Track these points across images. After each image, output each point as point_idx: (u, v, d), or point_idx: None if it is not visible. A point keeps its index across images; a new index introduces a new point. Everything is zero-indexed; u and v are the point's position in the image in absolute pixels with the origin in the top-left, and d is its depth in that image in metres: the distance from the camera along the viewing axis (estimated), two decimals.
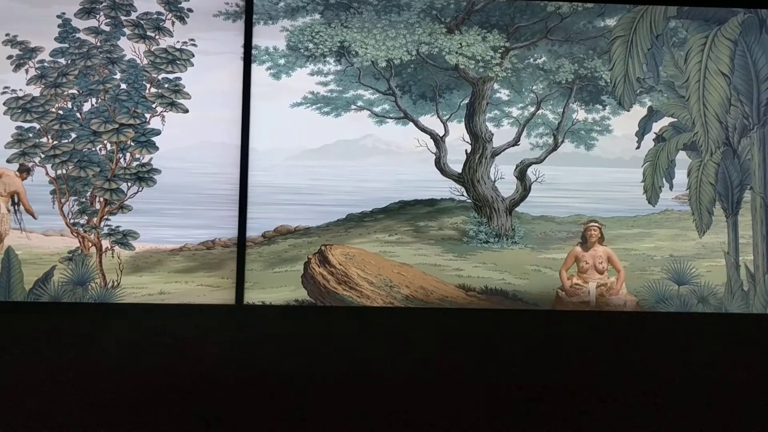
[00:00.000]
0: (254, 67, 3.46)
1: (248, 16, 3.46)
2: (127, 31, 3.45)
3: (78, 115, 3.42)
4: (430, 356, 3.36)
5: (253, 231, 3.43)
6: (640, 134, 3.59)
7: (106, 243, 3.41)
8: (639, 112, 3.59)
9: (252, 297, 3.37)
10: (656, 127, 3.60)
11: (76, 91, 3.42)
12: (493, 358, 3.41)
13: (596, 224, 3.50)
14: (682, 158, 3.59)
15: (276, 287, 3.38)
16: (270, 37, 3.48)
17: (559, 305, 3.47)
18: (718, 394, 3.38)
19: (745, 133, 3.58)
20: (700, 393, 3.37)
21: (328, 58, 3.51)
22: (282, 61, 3.47)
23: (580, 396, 3.35)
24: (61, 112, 3.41)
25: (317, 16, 3.50)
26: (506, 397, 3.31)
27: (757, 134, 3.57)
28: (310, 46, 3.49)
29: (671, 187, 3.57)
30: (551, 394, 3.34)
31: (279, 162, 3.48)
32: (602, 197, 3.56)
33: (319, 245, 3.44)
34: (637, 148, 3.58)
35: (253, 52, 3.46)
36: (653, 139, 3.59)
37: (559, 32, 3.58)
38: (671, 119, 3.60)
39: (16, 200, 3.39)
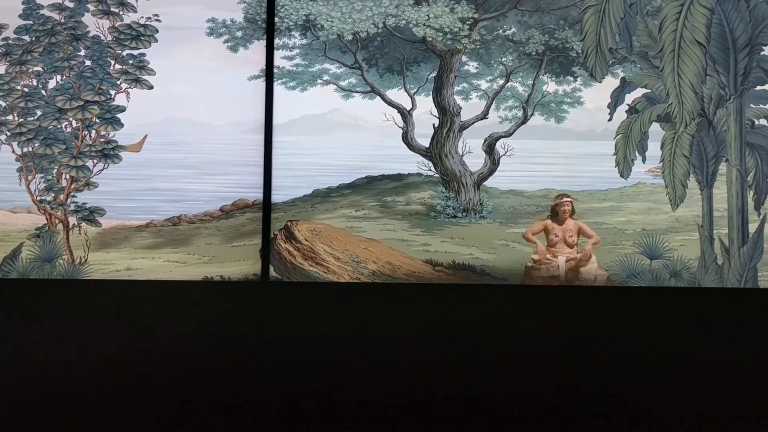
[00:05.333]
0: (212, 39, 3.44)
1: None
2: (90, 7, 3.44)
3: (43, 92, 3.42)
4: (407, 332, 3.35)
5: (212, 205, 3.42)
6: (613, 106, 3.52)
7: (73, 220, 3.42)
8: (611, 83, 3.51)
9: (210, 271, 3.36)
10: (629, 98, 3.52)
11: (41, 69, 3.42)
12: (461, 333, 3.39)
13: (569, 199, 3.44)
14: (656, 130, 3.51)
15: (235, 261, 3.38)
16: (228, 9, 3.45)
17: (528, 280, 3.42)
18: (691, 369, 3.34)
19: (721, 104, 3.49)
20: (673, 367, 3.33)
21: (293, 32, 3.47)
22: (239, 34, 3.45)
23: (550, 371, 3.32)
24: (26, 89, 3.41)
25: None
26: (475, 373, 3.30)
27: (734, 105, 3.48)
28: (275, 20, 3.45)
29: (644, 160, 3.50)
30: (520, 370, 3.32)
31: (245, 136, 3.45)
32: (573, 170, 3.50)
33: (284, 221, 3.42)
34: (609, 120, 3.51)
35: (210, 25, 3.44)
36: (626, 111, 3.52)
37: (530, 2, 3.51)
38: (644, 90, 3.52)
39: None
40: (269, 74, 3.43)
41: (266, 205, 3.40)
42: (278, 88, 3.46)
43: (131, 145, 3.44)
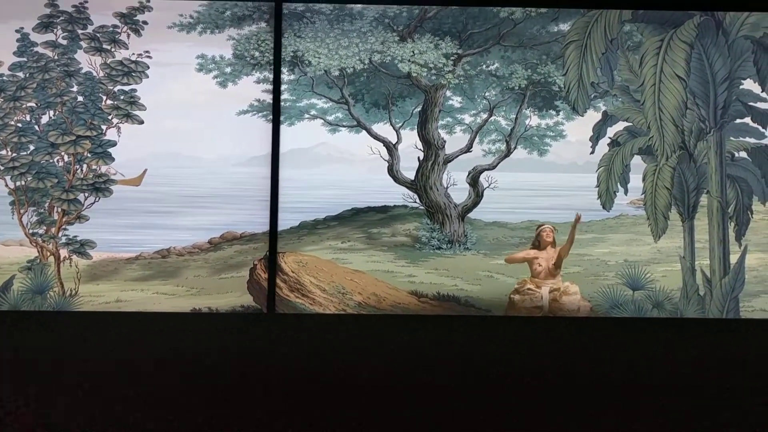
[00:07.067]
0: (201, 75, 3.53)
1: (277, 22, 3.51)
2: (83, 44, 3.53)
3: (36, 127, 3.49)
4: (403, 363, 3.38)
5: (200, 237, 3.48)
6: (595, 139, 3.58)
7: (64, 252, 3.47)
8: (593, 116, 3.58)
9: (199, 303, 3.41)
10: (611, 131, 3.58)
11: (34, 104, 3.49)
12: (445, 364, 3.42)
13: (551, 227, 3.50)
14: (638, 163, 3.57)
15: (223, 293, 3.43)
16: (218, 46, 3.54)
17: (512, 311, 3.47)
18: (673, 399, 3.36)
19: (701, 137, 3.55)
20: (655, 398, 3.35)
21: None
22: (228, 70, 3.53)
23: (533, 401, 3.35)
24: (19, 124, 3.49)
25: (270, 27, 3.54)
26: (459, 404, 3.33)
27: (714, 138, 3.54)
28: (257, 54, 3.53)
29: (626, 192, 3.56)
30: (505, 400, 3.34)
31: (234, 169, 3.52)
32: (556, 203, 3.56)
33: (264, 251, 3.47)
34: (592, 153, 3.57)
35: (200, 61, 3.53)
36: (608, 144, 3.58)
37: (513, 38, 3.59)
38: (626, 123, 3.58)
39: None
40: (276, 109, 3.51)
41: (273, 236, 3.47)
42: (262, 121, 3.52)
43: (131, 179, 3.50)
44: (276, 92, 3.50)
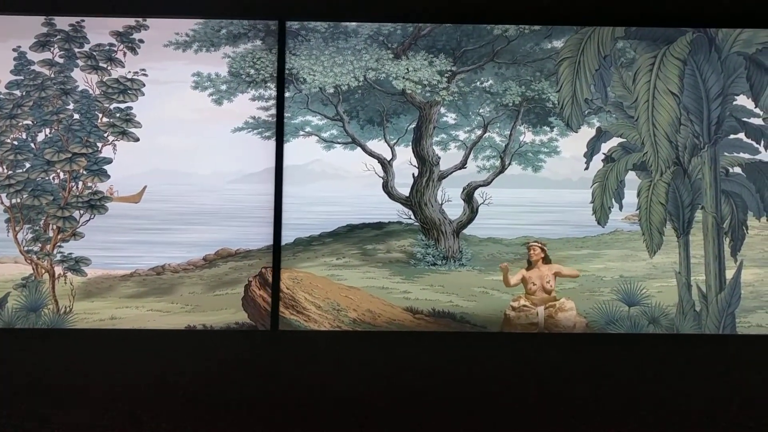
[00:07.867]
0: (197, 93, 3.54)
1: (281, 42, 3.53)
2: (80, 62, 3.55)
3: (32, 145, 3.51)
4: (388, 379, 3.38)
5: (195, 254, 3.48)
6: (589, 155, 3.59)
7: (58, 269, 3.47)
8: (587, 133, 3.59)
9: (193, 320, 3.41)
10: (605, 147, 3.59)
11: (30, 122, 3.51)
12: (441, 381, 3.41)
13: (537, 244, 3.50)
14: (632, 178, 3.57)
15: (217, 310, 3.42)
16: (213, 63, 3.56)
17: (507, 327, 3.45)
18: (670, 416, 3.34)
19: (695, 153, 3.56)
20: (651, 414, 3.34)
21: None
22: (224, 87, 3.55)
23: (529, 418, 3.33)
24: (15, 142, 3.50)
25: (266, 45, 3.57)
26: (454, 420, 3.31)
27: (708, 153, 3.55)
28: (252, 72, 3.56)
29: (621, 208, 3.56)
30: (500, 416, 3.33)
31: (228, 186, 3.53)
32: (550, 219, 3.56)
33: (259, 267, 3.48)
34: (586, 169, 3.58)
35: (196, 78, 3.55)
36: (602, 160, 3.59)
37: (506, 55, 3.61)
38: (620, 140, 3.59)
39: None
40: (279, 126, 3.52)
41: (276, 252, 3.47)
42: (257, 138, 3.54)
43: (130, 196, 3.51)
44: (279, 108, 3.52)
